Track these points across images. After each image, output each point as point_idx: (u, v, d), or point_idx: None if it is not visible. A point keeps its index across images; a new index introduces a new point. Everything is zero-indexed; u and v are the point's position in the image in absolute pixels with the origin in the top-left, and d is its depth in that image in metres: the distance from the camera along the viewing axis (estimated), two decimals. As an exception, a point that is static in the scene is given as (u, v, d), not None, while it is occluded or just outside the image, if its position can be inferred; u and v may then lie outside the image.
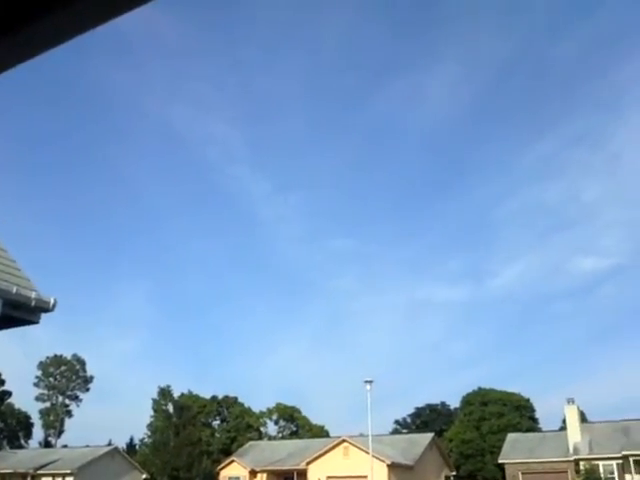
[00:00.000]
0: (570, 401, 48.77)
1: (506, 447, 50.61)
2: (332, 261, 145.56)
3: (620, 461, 42.70)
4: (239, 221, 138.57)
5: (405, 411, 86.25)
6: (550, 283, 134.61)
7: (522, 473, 46.89)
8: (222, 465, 55.44)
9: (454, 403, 79.19)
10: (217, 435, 74.72)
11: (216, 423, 77.30)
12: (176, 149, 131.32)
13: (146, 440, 69.17)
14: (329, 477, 46.07)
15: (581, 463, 43.70)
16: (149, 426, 68.88)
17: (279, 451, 55.99)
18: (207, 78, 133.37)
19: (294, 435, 76.51)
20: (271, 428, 79.72)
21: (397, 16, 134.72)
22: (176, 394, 68.92)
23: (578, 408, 49.70)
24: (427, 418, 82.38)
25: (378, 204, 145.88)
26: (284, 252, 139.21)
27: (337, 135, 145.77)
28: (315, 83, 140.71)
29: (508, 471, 47.80)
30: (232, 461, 54.76)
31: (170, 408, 64.58)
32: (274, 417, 79.87)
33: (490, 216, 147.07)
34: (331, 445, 47.28)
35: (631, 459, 41.82)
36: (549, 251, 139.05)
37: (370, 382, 39.19)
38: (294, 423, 79.90)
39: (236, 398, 77.86)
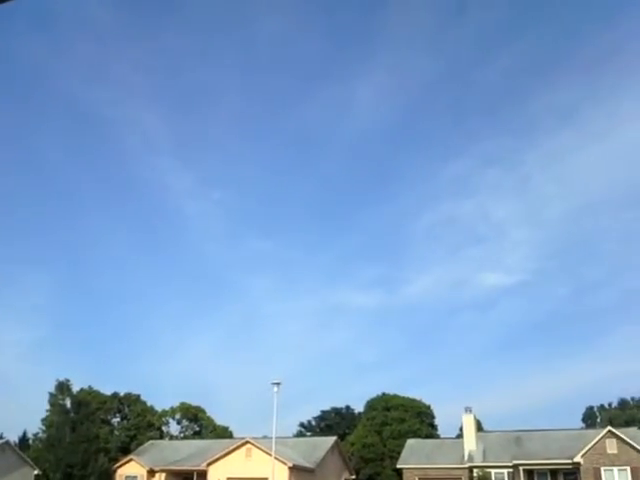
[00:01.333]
0: (468, 410, 50.60)
1: (405, 452, 51.84)
2: (249, 261, 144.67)
3: (511, 470, 44.66)
4: (155, 213, 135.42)
5: (312, 414, 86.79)
6: (457, 295, 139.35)
7: (419, 478, 48.15)
8: (119, 463, 53.93)
9: (359, 407, 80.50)
10: (116, 433, 72.47)
11: (116, 420, 74.97)
12: (93, 132, 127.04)
13: (40, 435, 66.23)
14: (229, 478, 45.71)
15: (475, 470, 45.40)
16: (44, 421, 65.98)
17: (180, 451, 55.04)
18: (134, 63, 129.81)
19: (197, 435, 75.40)
20: (174, 428, 78.21)
21: (333, 23, 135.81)
22: (76, 389, 66.41)
23: (475, 417, 51.65)
24: (332, 421, 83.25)
25: (300, 209, 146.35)
26: (201, 248, 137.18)
27: (266, 135, 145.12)
28: (247, 80, 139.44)
29: (405, 476, 48.96)
30: (130, 460, 53.37)
31: (68, 403, 62.11)
32: (177, 416, 78.36)
33: (407, 227, 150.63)
34: (234, 446, 46.91)
35: (521, 468, 43.82)
36: (458, 265, 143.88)
37: (278, 384, 39.20)
38: (197, 423, 78.68)
39: (139, 396, 75.86)
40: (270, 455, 41.54)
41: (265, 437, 48.76)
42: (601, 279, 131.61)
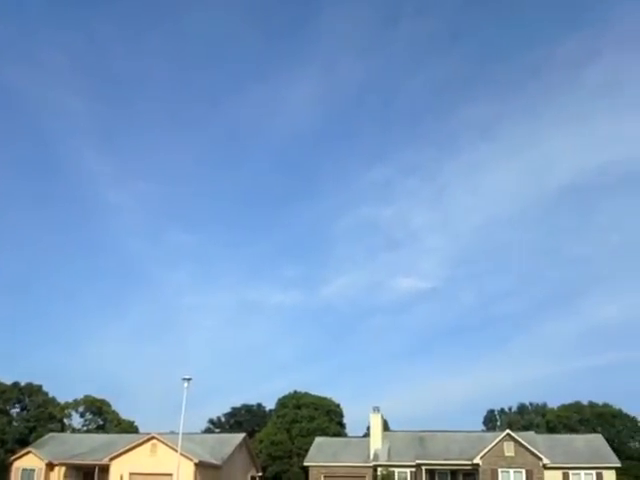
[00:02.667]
0: (376, 409, 51.52)
1: (312, 450, 52.26)
2: (169, 255, 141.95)
3: (414, 469, 45.86)
4: (73, 197, 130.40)
5: (223, 410, 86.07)
6: (373, 298, 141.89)
7: (324, 476, 48.66)
8: (16, 456, 51.54)
9: (271, 405, 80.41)
10: (15, 424, 69.40)
11: (15, 411, 71.76)
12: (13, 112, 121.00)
13: None
14: (132, 474, 44.55)
15: (379, 469, 46.32)
16: None
17: (82, 445, 53.24)
18: (62, 47, 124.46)
19: (100, 429, 73.17)
20: (76, 421, 75.60)
21: (268, 23, 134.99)
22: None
23: (382, 417, 52.67)
24: (242, 418, 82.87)
25: (224, 205, 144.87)
26: (120, 238, 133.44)
27: (195, 129, 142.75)
28: (177, 73, 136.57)
29: (311, 473, 49.36)
30: (28, 452, 51.09)
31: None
32: (80, 409, 75.80)
33: (328, 228, 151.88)
34: (138, 441, 45.76)
35: (423, 468, 45.09)
36: (375, 268, 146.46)
37: (188, 380, 38.53)
38: (102, 417, 76.38)
39: (40, 386, 72.86)
40: (176, 451, 40.83)
41: (172, 433, 47.84)
42: (507, 289, 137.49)
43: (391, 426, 62.25)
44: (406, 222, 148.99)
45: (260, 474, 57.14)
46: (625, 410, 74.85)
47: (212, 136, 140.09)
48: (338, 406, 74.98)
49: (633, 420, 74.52)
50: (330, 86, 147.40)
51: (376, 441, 49.70)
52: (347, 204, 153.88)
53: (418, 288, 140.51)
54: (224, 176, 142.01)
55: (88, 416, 75.85)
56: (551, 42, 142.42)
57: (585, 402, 77.14)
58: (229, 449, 49.37)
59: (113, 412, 76.94)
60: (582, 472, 43.85)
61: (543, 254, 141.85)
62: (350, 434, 70.19)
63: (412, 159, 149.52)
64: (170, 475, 41.59)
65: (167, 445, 44.06)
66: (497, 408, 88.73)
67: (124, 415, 78.01)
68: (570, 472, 44.00)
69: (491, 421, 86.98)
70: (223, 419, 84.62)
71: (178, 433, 40.73)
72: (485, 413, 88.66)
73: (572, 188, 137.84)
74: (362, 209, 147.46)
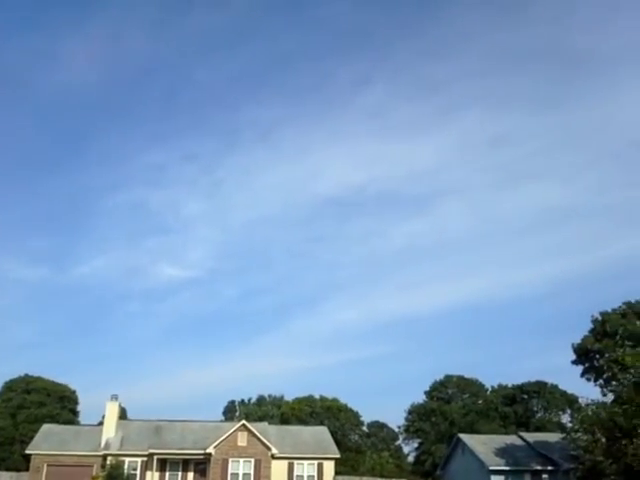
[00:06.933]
0: (114, 397, 49.67)
1: (38, 438, 48.80)
2: None
3: (145, 458, 45.13)
4: None
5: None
6: (132, 282, 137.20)
7: (48, 465, 45.65)
8: None
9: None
10: None
11: None
12: None
13: None
14: None
15: (108, 458, 44.77)
16: None
17: None
18: None
19: None
20: None
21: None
22: None
23: (120, 405, 51.01)
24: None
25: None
26: None
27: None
28: None
29: (34, 462, 46.00)
30: None
31: None
32: None
33: (92, 204, 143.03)
34: None
35: (155, 457, 44.62)
36: (138, 252, 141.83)
37: None
38: None
39: None
40: None
41: None
42: (265, 286, 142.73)
43: (132, 416, 60.64)
44: (178, 209, 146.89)
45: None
46: (350, 405, 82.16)
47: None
48: (74, 392, 71.22)
49: (356, 415, 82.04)
50: (117, 56, 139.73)
51: (109, 430, 47.94)
52: (118, 183, 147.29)
53: (180, 277, 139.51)
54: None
55: None
56: (337, 60, 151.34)
57: (317, 396, 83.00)
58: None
59: None
60: (305, 462, 46.89)
61: (300, 257, 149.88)
62: (86, 422, 66.93)
63: (193, 148, 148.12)
64: None
65: None
66: (238, 399, 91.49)
67: None
68: (295, 462, 46.77)
69: (230, 412, 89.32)
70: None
71: None
72: (226, 404, 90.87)
73: (334, 200, 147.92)
74: (133, 190, 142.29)
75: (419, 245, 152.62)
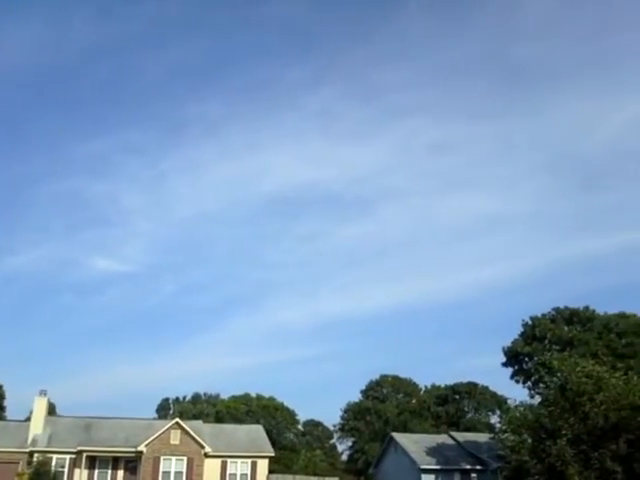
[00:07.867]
0: (42, 393, 48.11)
1: (-40, 434, 46.90)
2: None
3: (74, 456, 43.97)
4: None
5: None
6: (65, 275, 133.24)
7: (-31, 463, 43.97)
8: None
9: None
10: None
11: None
12: None
13: None
14: None
15: (35, 455, 43.41)
16: None
17: None
18: None
19: None
20: None
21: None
22: None
23: (49, 401, 49.55)
24: None
25: None
26: None
27: None
28: None
29: (-45, 459, 44.21)
30: None
31: None
32: None
33: (29, 193, 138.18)
34: None
35: (84, 454, 43.53)
36: (73, 244, 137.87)
37: None
38: None
39: None
40: None
41: None
42: (205, 282, 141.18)
43: (63, 412, 58.91)
44: (118, 202, 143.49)
45: None
46: (286, 404, 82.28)
47: None
48: (0, 387, 68.69)
49: (292, 413, 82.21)
50: (59, 40, 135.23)
51: (37, 426, 46.45)
52: (55, 171, 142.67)
53: (117, 271, 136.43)
54: None
55: None
56: (286, 59, 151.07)
57: (254, 394, 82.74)
58: None
59: None
60: (239, 460, 46.61)
61: (243, 254, 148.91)
62: (13, 418, 64.56)
63: (136, 140, 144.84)
64: None
65: None
66: (172, 397, 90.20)
67: None
68: (228, 460, 46.43)
69: (164, 409, 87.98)
70: None
71: None
72: (160, 401, 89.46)
73: (280, 199, 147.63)
74: (72, 180, 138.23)
75: (362, 247, 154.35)
